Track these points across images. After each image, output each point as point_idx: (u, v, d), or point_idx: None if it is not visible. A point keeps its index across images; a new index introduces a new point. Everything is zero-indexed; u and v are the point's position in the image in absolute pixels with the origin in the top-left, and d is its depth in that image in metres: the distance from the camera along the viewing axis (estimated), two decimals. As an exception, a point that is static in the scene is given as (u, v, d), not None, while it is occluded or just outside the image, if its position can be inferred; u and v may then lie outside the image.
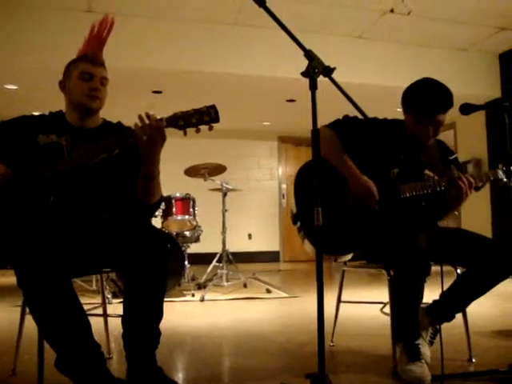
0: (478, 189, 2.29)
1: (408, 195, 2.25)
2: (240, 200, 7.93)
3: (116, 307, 3.60)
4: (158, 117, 1.83)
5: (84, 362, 1.73)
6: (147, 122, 1.81)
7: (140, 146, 1.86)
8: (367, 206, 2.25)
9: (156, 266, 1.75)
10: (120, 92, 5.70)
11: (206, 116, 1.80)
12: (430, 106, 2.22)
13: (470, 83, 6.37)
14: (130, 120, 2.11)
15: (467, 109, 2.15)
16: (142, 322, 1.78)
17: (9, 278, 5.52)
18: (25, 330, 2.25)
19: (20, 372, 2.22)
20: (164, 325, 1.82)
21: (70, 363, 1.73)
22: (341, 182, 2.29)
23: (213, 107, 1.82)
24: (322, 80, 1.62)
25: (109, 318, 2.55)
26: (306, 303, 4.31)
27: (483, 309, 3.24)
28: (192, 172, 5.33)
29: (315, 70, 1.60)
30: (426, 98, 2.23)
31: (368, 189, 2.24)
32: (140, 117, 1.83)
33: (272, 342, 2.94)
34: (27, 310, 1.78)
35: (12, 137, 2.01)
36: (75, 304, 1.73)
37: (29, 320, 1.85)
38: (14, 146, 1.99)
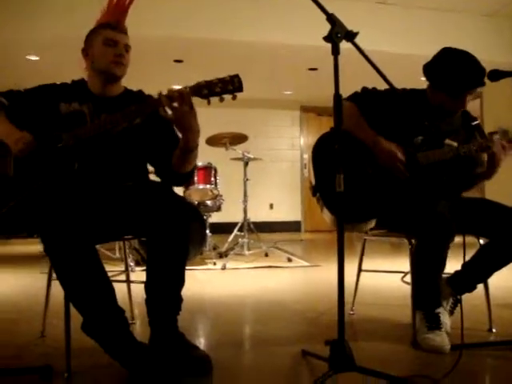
0: None
1: (428, 162, 2.22)
2: (261, 170, 7.93)
3: (139, 275, 3.68)
4: (179, 87, 1.82)
5: (108, 326, 1.77)
6: (173, 93, 1.80)
7: (171, 119, 1.85)
8: (396, 171, 2.22)
9: (178, 233, 1.77)
10: (141, 62, 5.67)
11: (230, 85, 1.80)
12: (465, 83, 2.15)
13: (496, 50, 6.15)
14: (151, 90, 2.11)
15: (496, 75, 2.07)
16: (164, 288, 1.81)
17: (37, 246, 5.68)
18: (52, 296, 2.32)
19: (49, 335, 2.30)
20: (186, 292, 1.86)
21: (95, 326, 1.78)
22: (360, 152, 2.27)
23: (236, 76, 1.81)
24: (343, 49, 1.60)
25: (132, 285, 2.61)
26: (327, 272, 4.33)
27: (505, 280, 3.21)
28: (213, 141, 5.32)
29: (338, 34, 1.57)
30: (459, 74, 2.14)
31: (393, 153, 2.21)
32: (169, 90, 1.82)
33: (292, 310, 2.97)
34: (54, 276, 1.82)
35: (34, 105, 2.02)
36: (99, 269, 1.77)
37: (55, 286, 1.90)
38: (36, 115, 2.01)
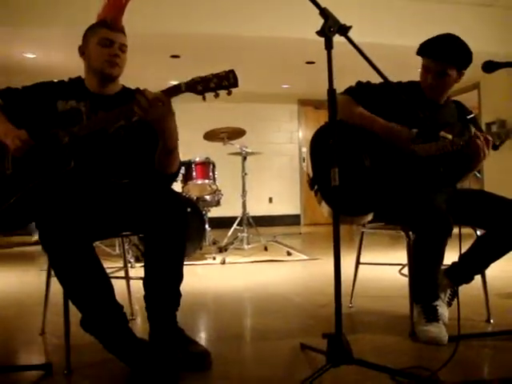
0: (496, 147, 2.24)
1: (424, 155, 2.22)
2: (260, 164, 7.93)
3: (139, 271, 3.68)
4: (176, 82, 1.82)
5: (107, 322, 1.78)
6: (143, 99, 1.80)
7: (147, 120, 1.85)
8: (404, 147, 2.22)
9: (175, 229, 1.78)
10: (137, 57, 5.67)
11: (225, 81, 1.79)
12: (438, 50, 2.21)
13: (494, 41, 6.13)
14: (147, 85, 2.11)
15: (491, 66, 2.07)
16: (163, 284, 1.82)
17: (35, 245, 5.69)
18: (51, 293, 2.33)
19: (49, 331, 2.32)
20: (186, 287, 1.87)
21: (93, 323, 1.79)
22: (357, 143, 2.28)
23: (231, 72, 1.80)
24: (340, 43, 1.60)
25: (132, 281, 2.62)
26: (327, 265, 4.33)
27: (502, 271, 3.22)
28: (211, 136, 5.32)
29: (331, 28, 1.57)
30: (438, 42, 2.22)
31: (393, 127, 2.22)
32: (137, 95, 1.81)
33: (292, 304, 2.99)
34: (53, 273, 1.83)
35: (32, 103, 2.03)
36: (97, 266, 1.78)
37: (55, 283, 1.91)
38: (33, 112, 2.01)
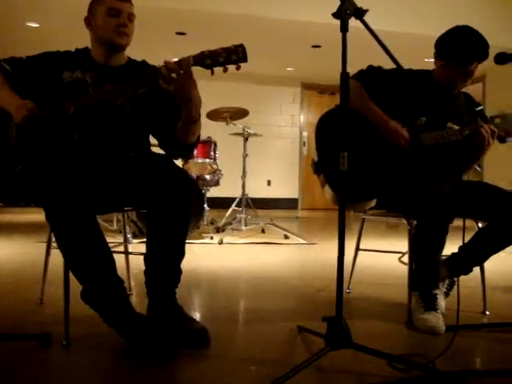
0: (502, 140, 2.24)
1: (430, 143, 2.22)
2: (261, 146, 7.91)
3: (135, 247, 3.70)
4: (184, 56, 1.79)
5: (108, 295, 1.78)
6: (172, 64, 1.78)
7: (172, 90, 1.83)
8: (401, 149, 2.22)
9: (180, 205, 1.77)
10: (142, 33, 5.61)
11: (234, 55, 1.75)
12: (463, 53, 2.16)
13: (506, 33, 6.09)
14: (151, 62, 2.09)
15: (503, 58, 2.05)
16: (165, 260, 1.81)
17: (33, 216, 5.68)
18: (50, 264, 2.33)
19: (47, 302, 2.32)
20: (183, 266, 1.86)
21: (94, 295, 1.79)
22: (363, 130, 2.26)
23: (241, 46, 1.76)
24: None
25: (129, 257, 2.62)
26: (324, 250, 4.36)
27: (500, 264, 3.24)
28: (214, 115, 5.29)
29: (347, 11, 1.55)
30: (460, 44, 2.16)
31: (398, 133, 2.20)
32: (160, 67, 1.79)
33: (288, 287, 3.00)
34: (53, 245, 1.83)
35: (37, 73, 2.00)
36: (100, 239, 1.78)
37: (54, 254, 1.91)
38: (39, 82, 1.99)
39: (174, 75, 1.77)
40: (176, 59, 1.79)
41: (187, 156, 2.08)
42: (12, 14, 5.78)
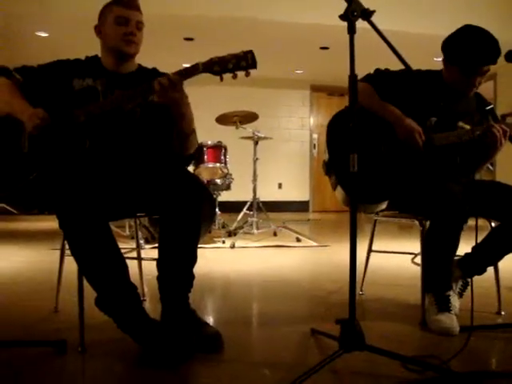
0: None
1: (442, 144, 2.20)
2: (271, 149, 7.91)
3: (148, 252, 3.71)
4: (193, 62, 1.80)
5: (122, 301, 1.80)
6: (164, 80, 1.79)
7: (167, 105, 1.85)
8: (415, 146, 2.20)
9: (192, 211, 1.78)
10: (151, 39, 5.66)
11: (243, 61, 1.76)
12: (478, 58, 2.12)
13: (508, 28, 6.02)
14: (160, 68, 2.10)
15: (514, 56, 2.04)
16: (177, 265, 1.82)
17: (46, 223, 5.73)
18: (64, 272, 2.34)
19: (62, 309, 2.34)
20: (195, 270, 1.87)
21: (109, 302, 1.80)
22: (374, 131, 2.26)
23: (250, 52, 1.77)
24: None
25: (142, 263, 2.63)
26: (336, 252, 4.35)
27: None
28: (224, 120, 5.30)
29: (354, 12, 1.55)
30: (471, 50, 2.12)
31: (414, 129, 2.18)
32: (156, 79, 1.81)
33: (301, 289, 2.99)
34: (66, 252, 1.84)
35: (48, 81, 2.02)
36: (113, 245, 1.79)
37: (68, 262, 1.92)
38: (49, 91, 2.01)
39: (165, 91, 1.79)
40: (186, 65, 1.80)
41: (184, 166, 2.10)
42: (22, 24, 5.85)
